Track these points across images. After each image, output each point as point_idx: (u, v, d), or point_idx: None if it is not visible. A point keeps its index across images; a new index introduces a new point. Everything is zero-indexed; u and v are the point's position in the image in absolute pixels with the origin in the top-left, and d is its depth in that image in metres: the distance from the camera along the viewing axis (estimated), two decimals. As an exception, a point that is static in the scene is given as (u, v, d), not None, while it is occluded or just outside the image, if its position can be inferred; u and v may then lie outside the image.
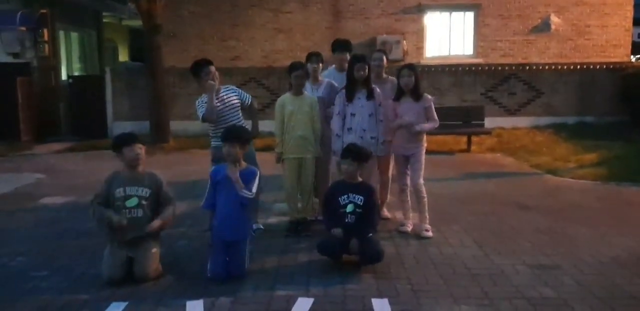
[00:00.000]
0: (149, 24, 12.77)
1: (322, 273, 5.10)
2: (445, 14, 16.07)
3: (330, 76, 6.97)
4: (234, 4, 15.83)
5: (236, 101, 6.28)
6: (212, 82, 6.01)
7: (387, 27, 15.81)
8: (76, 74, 17.07)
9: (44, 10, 14.71)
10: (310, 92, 6.55)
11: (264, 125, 6.60)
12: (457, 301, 4.50)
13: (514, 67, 14.78)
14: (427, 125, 6.27)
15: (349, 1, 15.81)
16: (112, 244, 5.01)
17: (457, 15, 16.07)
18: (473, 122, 12.09)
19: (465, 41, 16.12)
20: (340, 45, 7.00)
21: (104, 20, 20.11)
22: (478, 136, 12.14)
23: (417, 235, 6.16)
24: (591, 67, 14.71)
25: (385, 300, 4.51)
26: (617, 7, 15.79)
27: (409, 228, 6.37)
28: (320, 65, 6.76)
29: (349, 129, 6.30)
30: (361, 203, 5.33)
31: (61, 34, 16.27)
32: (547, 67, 14.75)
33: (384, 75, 6.77)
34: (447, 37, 16.17)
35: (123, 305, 4.47)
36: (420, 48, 15.97)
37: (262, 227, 6.47)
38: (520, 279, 4.94)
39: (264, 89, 14.36)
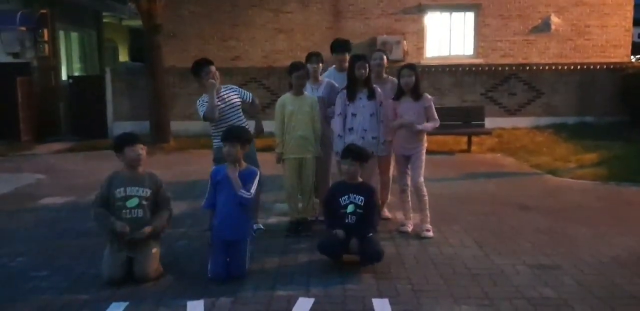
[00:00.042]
0: (149, 24, 12.76)
1: (323, 273, 5.10)
2: (446, 14, 16.07)
3: (330, 76, 6.97)
4: (234, 4, 15.83)
5: (237, 100, 6.28)
6: (212, 80, 6.01)
7: (387, 27, 15.81)
8: (76, 73, 17.08)
9: (44, 10, 14.72)
10: (310, 92, 6.55)
11: (265, 126, 6.60)
12: (457, 301, 4.50)
13: (514, 67, 14.79)
14: (429, 125, 6.27)
15: (349, 1, 15.81)
16: (112, 244, 5.01)
17: (458, 16, 16.06)
18: (473, 122, 12.09)
19: (465, 41, 16.11)
20: (339, 46, 6.99)
21: (104, 20, 20.12)
22: (478, 136, 12.14)
23: (418, 235, 6.16)
24: (591, 67, 14.71)
25: (386, 300, 4.51)
26: (617, 7, 15.79)
27: (410, 228, 6.37)
28: (320, 65, 6.76)
29: (350, 129, 6.30)
30: (362, 204, 5.33)
31: (61, 34, 16.28)
32: (547, 67, 14.76)
33: (384, 75, 6.76)
34: (448, 37, 16.17)
35: (123, 305, 4.47)
36: (420, 48, 15.97)
37: (262, 227, 6.47)
38: (520, 279, 4.94)
39: (264, 89, 14.37)
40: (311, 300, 4.51)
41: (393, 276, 5.04)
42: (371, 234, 5.29)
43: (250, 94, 6.50)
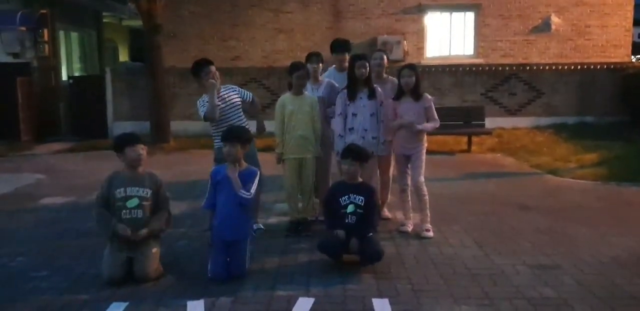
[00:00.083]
0: (149, 24, 12.77)
1: (323, 273, 5.10)
2: (446, 14, 16.07)
3: (330, 76, 6.97)
4: (234, 4, 15.83)
5: (237, 100, 6.28)
6: (213, 80, 6.00)
7: (387, 27, 15.81)
8: (76, 74, 17.09)
9: (44, 11, 14.72)
10: (310, 92, 6.55)
11: (265, 125, 6.60)
12: (457, 301, 4.50)
13: (514, 67, 14.79)
14: (429, 125, 6.27)
15: (349, 1, 15.82)
16: (112, 244, 5.01)
17: (458, 16, 16.07)
18: (473, 122, 12.09)
19: (465, 41, 16.11)
20: (339, 46, 6.99)
21: (104, 20, 20.12)
22: (478, 136, 12.14)
23: (418, 235, 6.16)
24: (591, 67, 14.71)
25: (386, 300, 4.51)
26: (617, 7, 15.79)
27: (410, 228, 6.37)
28: (321, 65, 6.76)
29: (351, 129, 6.29)
30: (362, 204, 5.33)
31: (61, 34, 16.29)
32: (547, 67, 14.75)
33: (385, 75, 6.76)
34: (448, 37, 16.17)
35: (123, 305, 4.47)
36: (420, 48, 15.97)
37: (262, 227, 6.47)
38: (520, 279, 4.94)
39: (265, 89, 14.36)
40: (311, 300, 4.51)
41: (393, 276, 5.04)
42: (371, 234, 5.29)
43: (250, 94, 6.50)
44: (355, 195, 5.35)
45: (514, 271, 5.13)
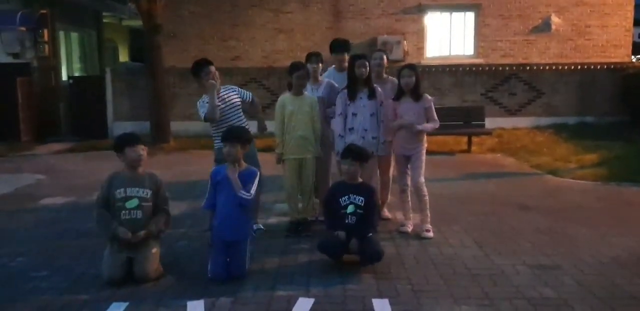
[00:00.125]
0: (149, 24, 12.76)
1: (323, 274, 5.10)
2: (446, 14, 16.08)
3: (330, 76, 6.97)
4: (234, 4, 15.83)
5: (237, 100, 6.28)
6: (213, 81, 6.00)
7: (387, 28, 15.81)
8: (76, 74, 17.09)
9: (44, 11, 14.72)
10: (310, 92, 6.54)
11: (266, 125, 6.60)
12: (457, 301, 4.50)
13: (514, 67, 14.79)
14: (429, 125, 6.27)
15: (349, 1, 15.82)
16: (112, 244, 5.01)
17: (458, 16, 16.07)
18: (473, 123, 12.09)
19: (465, 41, 16.12)
20: (338, 46, 6.99)
21: (104, 20, 20.12)
22: (478, 136, 12.13)
23: (418, 236, 6.16)
24: (592, 67, 14.71)
25: (386, 300, 4.51)
26: (617, 7, 15.79)
27: (410, 228, 6.36)
28: (320, 65, 6.76)
29: (351, 129, 6.29)
30: (362, 204, 5.33)
31: (61, 34, 16.29)
32: (547, 67, 14.75)
33: (385, 75, 6.76)
34: (448, 38, 16.18)
35: (123, 305, 4.47)
36: (420, 48, 15.98)
37: (262, 227, 6.47)
38: (520, 279, 4.94)
39: (264, 89, 14.36)
40: (311, 300, 4.51)
41: (393, 276, 5.04)
42: (371, 234, 5.29)
43: (250, 94, 6.49)
44: (355, 196, 5.35)
45: (514, 271, 5.13)
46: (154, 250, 5.06)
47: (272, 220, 6.88)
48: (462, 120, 12.03)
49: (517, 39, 15.87)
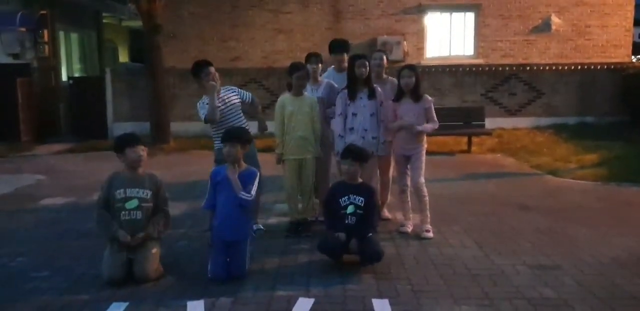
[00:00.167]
0: (149, 25, 12.76)
1: (323, 274, 5.10)
2: (446, 15, 16.07)
3: (329, 77, 6.97)
4: (234, 4, 15.83)
5: (237, 101, 6.28)
6: (213, 82, 6.00)
7: (387, 28, 15.81)
8: (76, 74, 17.09)
9: (43, 11, 14.73)
10: (309, 93, 6.54)
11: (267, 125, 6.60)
12: (457, 301, 4.50)
13: (514, 68, 14.79)
14: (429, 126, 6.27)
15: (349, 2, 15.81)
16: (112, 245, 5.01)
17: (458, 16, 16.06)
18: (473, 123, 12.08)
19: (465, 41, 16.11)
20: (337, 46, 6.99)
21: (104, 20, 20.13)
22: (478, 137, 12.13)
23: (418, 236, 6.16)
24: (592, 67, 14.71)
25: (386, 301, 4.51)
26: (617, 7, 15.79)
27: (409, 228, 6.36)
28: (320, 65, 6.76)
29: (351, 129, 6.29)
30: (362, 205, 5.33)
31: (61, 34, 16.28)
32: (547, 68, 14.75)
33: (384, 76, 6.76)
34: (448, 38, 16.16)
35: (124, 305, 4.47)
36: (420, 48, 15.97)
37: (262, 227, 6.47)
38: (520, 279, 4.94)
39: (264, 90, 14.35)
40: (311, 300, 4.51)
41: (393, 276, 5.04)
42: (371, 234, 5.29)
43: (250, 94, 6.49)
44: (355, 196, 5.35)
45: (514, 271, 5.13)
46: (154, 251, 5.06)
47: (272, 220, 6.88)
48: (462, 121, 12.02)
49: (517, 39, 15.87)
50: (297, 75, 6.18)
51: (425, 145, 6.40)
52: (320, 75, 6.89)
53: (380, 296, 4.60)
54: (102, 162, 10.16)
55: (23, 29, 14.25)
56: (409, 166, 6.37)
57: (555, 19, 15.72)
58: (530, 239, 6.06)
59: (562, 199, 7.85)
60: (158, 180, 5.24)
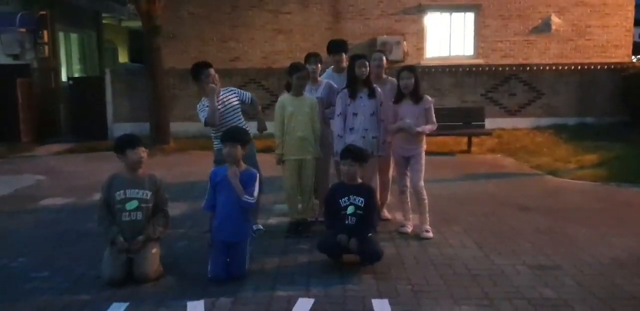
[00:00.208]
0: (149, 25, 12.76)
1: (323, 274, 5.10)
2: (446, 15, 16.08)
3: (328, 77, 6.97)
4: (233, 5, 15.84)
5: (236, 103, 6.28)
6: (213, 85, 6.00)
7: (387, 28, 15.81)
8: (76, 75, 17.08)
9: (43, 12, 14.72)
10: (309, 93, 6.53)
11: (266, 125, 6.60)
12: (457, 301, 4.50)
13: (514, 68, 14.79)
14: (427, 127, 6.26)
15: (348, 2, 15.81)
16: (112, 245, 5.01)
17: (458, 16, 16.07)
18: (473, 123, 12.08)
19: (465, 42, 16.12)
20: (335, 46, 6.99)
21: (104, 21, 20.11)
22: (478, 137, 12.12)
23: (417, 236, 6.16)
24: (592, 67, 14.70)
25: (386, 301, 4.51)
26: (617, 7, 15.79)
27: (409, 229, 6.36)
28: (319, 66, 6.76)
29: (351, 129, 6.28)
30: (362, 205, 5.32)
31: (61, 35, 16.28)
32: (547, 68, 14.75)
33: (384, 76, 6.76)
34: (448, 38, 16.17)
35: (124, 305, 4.47)
36: (420, 49, 15.97)
37: (262, 227, 6.47)
38: (520, 279, 4.94)
39: (264, 90, 14.36)
40: (311, 301, 4.51)
41: (393, 276, 5.04)
42: (371, 234, 5.29)
43: (249, 95, 6.48)
44: (355, 196, 5.35)
45: (514, 271, 5.13)
46: (154, 251, 5.07)
47: (272, 220, 6.88)
48: (462, 121, 12.02)
49: (517, 39, 15.87)
50: (297, 76, 6.18)
51: (425, 146, 6.39)
52: (320, 76, 6.90)
53: (380, 296, 4.60)
54: (102, 163, 10.17)
55: (23, 30, 14.27)
56: (408, 168, 6.37)
57: (555, 19, 15.72)
58: (530, 239, 6.06)
59: (562, 199, 7.85)
60: (158, 180, 5.24)
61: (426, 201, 6.30)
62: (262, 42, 15.93)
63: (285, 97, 6.39)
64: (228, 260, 5.02)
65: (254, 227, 6.12)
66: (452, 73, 14.64)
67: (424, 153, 6.35)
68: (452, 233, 6.30)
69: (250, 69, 15.11)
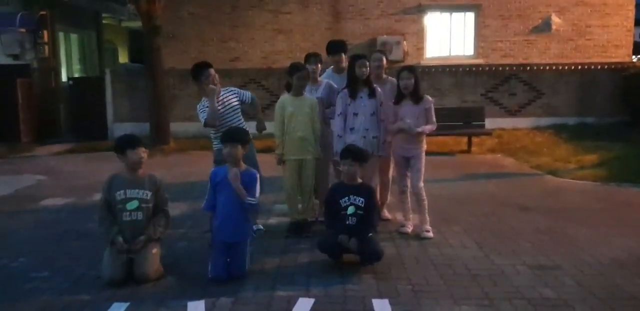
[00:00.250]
0: (149, 25, 12.76)
1: (323, 274, 5.10)
2: (446, 15, 16.07)
3: (328, 78, 6.97)
4: (233, 5, 15.83)
5: (236, 103, 6.28)
6: (213, 86, 6.00)
7: (387, 28, 15.80)
8: (76, 75, 17.09)
9: (43, 12, 14.73)
10: (308, 93, 6.53)
11: (266, 125, 6.60)
12: (457, 301, 4.50)
13: (514, 68, 14.78)
14: (427, 127, 6.25)
15: (348, 2, 15.80)
16: (112, 245, 5.01)
17: (458, 16, 16.06)
18: (473, 123, 12.08)
19: (465, 42, 16.11)
20: (334, 47, 7.00)
21: (104, 21, 20.11)
22: (478, 137, 12.13)
23: (418, 236, 6.16)
24: (592, 67, 14.69)
25: (386, 301, 4.51)
26: (618, 7, 15.78)
27: (409, 229, 6.36)
28: (319, 66, 6.76)
29: (352, 129, 6.28)
30: (362, 205, 5.32)
31: (61, 35, 16.29)
32: (547, 68, 14.74)
33: (384, 76, 6.76)
34: (448, 38, 16.16)
35: (124, 305, 4.48)
36: (420, 49, 15.97)
37: (262, 227, 6.47)
38: (520, 279, 4.94)
39: (264, 90, 14.35)
40: (311, 300, 4.52)
41: (393, 276, 5.04)
42: (371, 234, 5.29)
43: (249, 94, 6.48)
44: (355, 197, 5.34)
45: (514, 271, 5.13)
46: (154, 251, 5.07)
47: (272, 220, 6.88)
48: (462, 121, 12.02)
49: (517, 39, 15.87)
50: (297, 76, 6.17)
51: (425, 147, 6.39)
52: (320, 76, 6.90)
53: (380, 296, 4.60)
54: (102, 163, 10.18)
55: (23, 30, 14.28)
56: (409, 168, 6.36)
57: (555, 19, 15.71)
58: (530, 239, 6.06)
59: (562, 199, 7.85)
60: (158, 180, 5.24)
61: (425, 202, 6.30)
62: (262, 42, 15.93)
63: (285, 97, 6.38)
64: (228, 260, 5.02)
65: (254, 227, 6.12)
66: (452, 73, 14.64)
67: (424, 154, 6.35)
68: (452, 233, 6.30)
69: (250, 69, 15.11)
